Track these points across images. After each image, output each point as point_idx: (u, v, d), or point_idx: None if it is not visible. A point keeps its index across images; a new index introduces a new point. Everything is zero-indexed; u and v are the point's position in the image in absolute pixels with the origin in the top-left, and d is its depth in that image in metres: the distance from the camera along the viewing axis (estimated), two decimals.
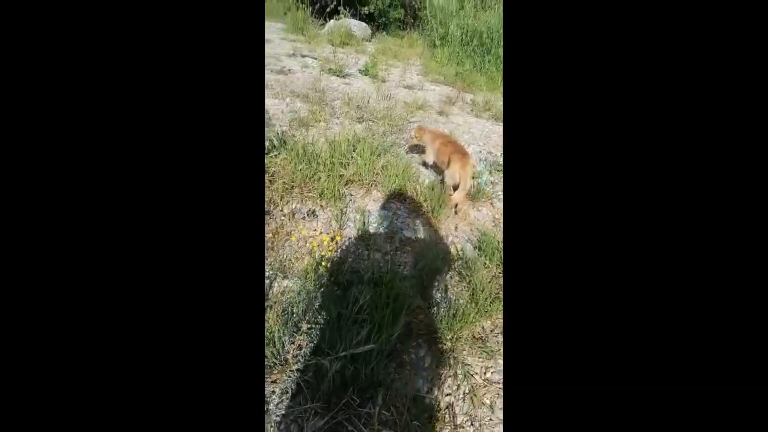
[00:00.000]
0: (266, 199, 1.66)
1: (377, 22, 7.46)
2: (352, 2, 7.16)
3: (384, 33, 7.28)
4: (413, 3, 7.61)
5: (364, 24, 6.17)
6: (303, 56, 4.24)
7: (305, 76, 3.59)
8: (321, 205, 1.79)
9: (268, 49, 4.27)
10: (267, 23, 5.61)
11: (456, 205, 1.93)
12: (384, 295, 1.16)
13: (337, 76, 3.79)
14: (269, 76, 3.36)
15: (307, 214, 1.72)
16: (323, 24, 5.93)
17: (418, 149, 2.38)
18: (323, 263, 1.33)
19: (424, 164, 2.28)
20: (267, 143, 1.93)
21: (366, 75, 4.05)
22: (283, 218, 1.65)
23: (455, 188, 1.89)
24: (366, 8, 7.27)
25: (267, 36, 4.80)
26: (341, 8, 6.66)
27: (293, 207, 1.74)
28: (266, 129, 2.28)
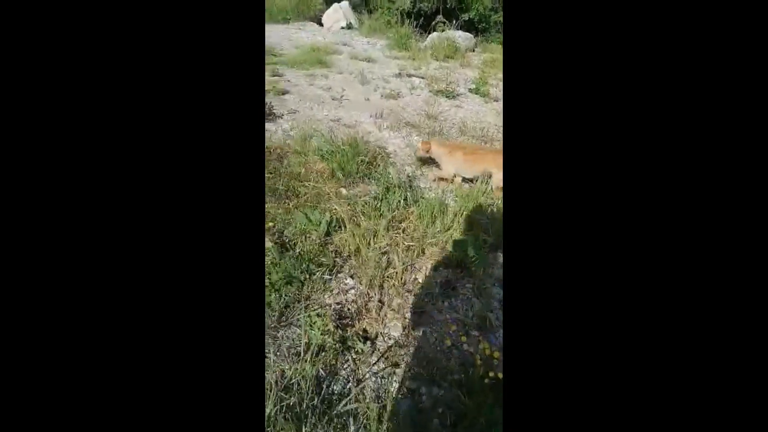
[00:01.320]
0: (402, 266, 1.46)
1: (477, 28, 6.91)
2: (452, 11, 6.75)
3: (485, 38, 6.70)
4: None
5: (467, 34, 5.72)
6: (409, 76, 4.03)
7: (415, 100, 3.37)
8: (458, 275, 1.52)
9: (375, 69, 4.18)
10: (369, 39, 5.58)
11: None
12: None
13: (447, 97, 3.48)
14: (381, 102, 3.23)
15: (444, 289, 1.47)
16: (425, 36, 5.66)
17: (431, 162, 2.19)
18: (486, 377, 1.05)
19: (441, 180, 2.08)
20: (400, 196, 1.73)
21: (476, 93, 3.66)
22: (420, 294, 1.42)
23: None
24: (467, 14, 6.78)
25: (371, 54, 4.73)
26: (440, 17, 6.31)
27: (426, 273, 1.51)
28: (391, 169, 2.11)
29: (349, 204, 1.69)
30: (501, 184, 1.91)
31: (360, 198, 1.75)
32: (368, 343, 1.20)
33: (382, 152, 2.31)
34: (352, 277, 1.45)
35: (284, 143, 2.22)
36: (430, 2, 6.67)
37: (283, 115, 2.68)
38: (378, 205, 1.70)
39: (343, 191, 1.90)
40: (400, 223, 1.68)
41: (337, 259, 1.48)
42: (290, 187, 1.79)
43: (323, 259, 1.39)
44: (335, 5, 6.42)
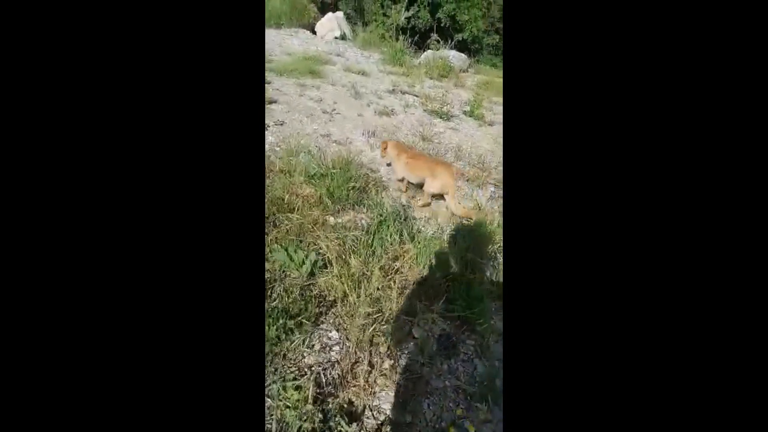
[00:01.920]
0: (393, 312, 1.25)
1: (470, 49, 6.94)
2: (446, 29, 6.74)
3: (478, 59, 6.72)
4: None
5: (461, 54, 5.68)
6: (403, 93, 3.89)
7: (409, 119, 3.21)
8: (458, 328, 1.33)
9: (368, 83, 4.01)
10: (363, 53, 5.44)
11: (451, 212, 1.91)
12: None
13: (441, 118, 3.35)
14: (373, 118, 3.05)
15: (444, 347, 1.27)
16: (419, 53, 5.57)
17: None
18: None
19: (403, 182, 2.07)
20: (394, 231, 1.54)
21: (471, 116, 3.55)
22: (415, 352, 1.21)
23: (434, 196, 1.94)
24: (460, 35, 6.80)
25: (365, 68, 4.57)
26: (435, 36, 6.27)
27: (425, 328, 1.31)
28: (383, 196, 1.92)
29: (337, 237, 1.48)
30: (430, 190, 1.92)
31: (350, 231, 1.54)
32: (354, 424, 0.98)
33: (375, 177, 2.11)
34: (337, 330, 1.23)
35: (268, 160, 1.98)
36: (424, 20, 6.64)
37: (269, 126, 2.45)
38: (370, 241, 1.50)
39: (331, 219, 1.69)
40: (394, 261, 1.48)
41: (321, 308, 1.26)
42: (271, 214, 1.55)
43: (302, 318, 1.16)
44: (330, 14, 6.27)
